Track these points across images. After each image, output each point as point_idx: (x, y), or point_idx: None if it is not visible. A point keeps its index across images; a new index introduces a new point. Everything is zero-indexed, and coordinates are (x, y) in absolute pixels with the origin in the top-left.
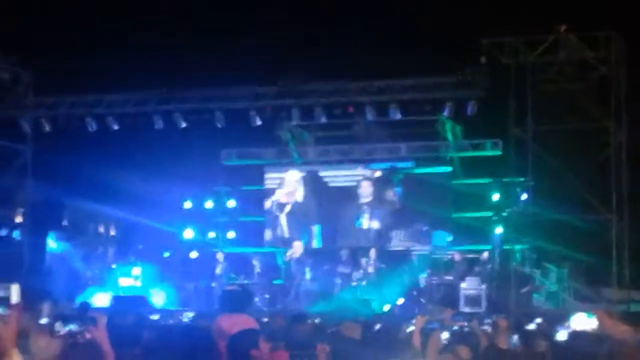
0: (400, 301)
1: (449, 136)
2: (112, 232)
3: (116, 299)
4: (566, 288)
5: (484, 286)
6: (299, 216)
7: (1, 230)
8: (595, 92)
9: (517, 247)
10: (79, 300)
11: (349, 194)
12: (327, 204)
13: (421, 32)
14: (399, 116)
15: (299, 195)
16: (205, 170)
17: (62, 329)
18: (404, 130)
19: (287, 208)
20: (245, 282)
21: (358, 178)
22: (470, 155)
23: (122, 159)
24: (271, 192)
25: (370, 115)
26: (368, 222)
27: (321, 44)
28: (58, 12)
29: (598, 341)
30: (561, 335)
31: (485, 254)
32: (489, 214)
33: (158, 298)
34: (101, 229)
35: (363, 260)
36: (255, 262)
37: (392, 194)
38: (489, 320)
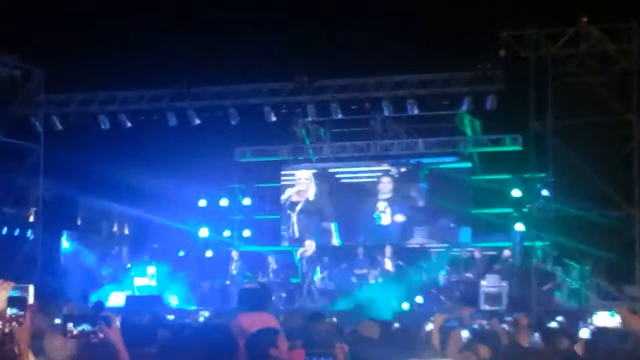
0: (419, 299)
1: (468, 131)
2: (126, 231)
3: (131, 299)
4: (588, 285)
5: (504, 283)
6: (311, 215)
7: (15, 230)
8: (617, 85)
9: (538, 243)
10: (94, 299)
11: (367, 190)
12: (344, 201)
13: (439, 26)
14: (416, 111)
15: (311, 193)
16: (220, 168)
17: (74, 329)
18: (421, 125)
19: (299, 207)
20: (263, 280)
21: (378, 174)
22: (490, 150)
23: (135, 157)
24: (283, 191)
25: (387, 110)
26: (390, 219)
27: (337, 39)
28: (70, 8)
29: (621, 338)
30: (583, 333)
31: (507, 252)
32: (509, 210)
33: (173, 298)
34: (115, 228)
35: (380, 258)
36: (271, 260)
37: (415, 190)
38: (509, 318)
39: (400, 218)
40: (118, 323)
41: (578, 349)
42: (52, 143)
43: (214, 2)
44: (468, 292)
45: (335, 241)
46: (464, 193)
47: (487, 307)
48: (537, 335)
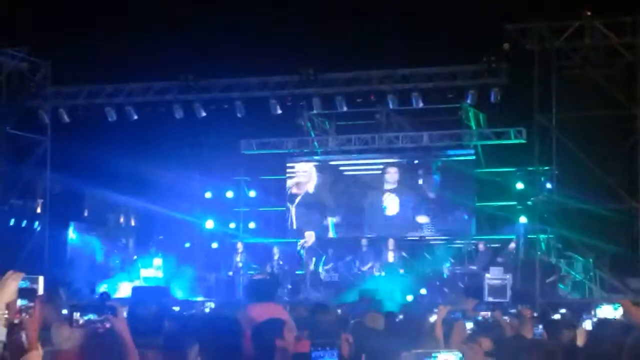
0: (423, 291)
1: (472, 124)
2: (133, 223)
3: (137, 290)
4: (592, 278)
5: (508, 276)
6: (310, 207)
7: (22, 221)
8: (621, 79)
9: (542, 236)
10: (101, 290)
11: (373, 181)
12: (350, 193)
13: (444, 19)
14: (421, 104)
15: (311, 186)
16: (226, 160)
17: (81, 318)
18: (426, 118)
19: (298, 199)
20: (270, 270)
21: (381, 166)
22: (494, 143)
23: (141, 149)
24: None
25: (392, 103)
26: (396, 209)
27: (343, 32)
28: (77, 1)
29: (624, 330)
30: (587, 325)
31: (513, 245)
32: (514, 203)
33: (179, 291)
34: (121, 220)
35: (384, 251)
36: (276, 252)
37: (426, 181)
38: (513, 311)
39: (404, 212)
40: (124, 313)
41: (579, 339)
42: (59, 135)
43: None
44: (472, 284)
45: (331, 234)
46: (472, 185)
47: (491, 300)
48: (540, 327)
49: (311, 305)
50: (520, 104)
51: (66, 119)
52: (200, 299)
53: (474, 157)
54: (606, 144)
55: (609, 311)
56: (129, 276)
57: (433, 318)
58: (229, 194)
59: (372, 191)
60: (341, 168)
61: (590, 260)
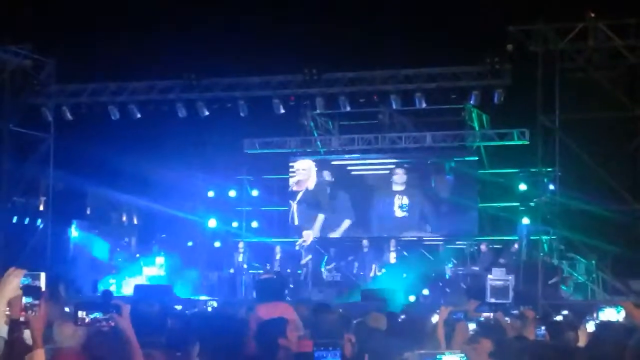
0: (426, 292)
1: (476, 125)
2: (135, 221)
3: (140, 288)
4: (594, 280)
5: (510, 277)
6: (310, 204)
7: (25, 219)
8: (625, 81)
9: (545, 237)
10: (104, 287)
11: (381, 182)
12: (359, 193)
13: (448, 20)
14: (424, 105)
15: (311, 183)
16: (229, 159)
17: (86, 317)
18: (429, 119)
19: (299, 196)
20: (277, 269)
21: (391, 166)
22: (497, 144)
23: (144, 148)
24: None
25: (395, 104)
26: (404, 211)
27: (346, 32)
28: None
29: (626, 332)
30: (589, 327)
31: (516, 246)
32: (516, 204)
33: (181, 288)
34: (124, 218)
35: (386, 251)
36: (278, 251)
37: (439, 182)
38: (515, 312)
39: (411, 214)
40: (128, 311)
41: (582, 341)
42: (62, 133)
43: None
44: (474, 285)
45: (317, 233)
46: (475, 186)
47: (493, 300)
48: (543, 328)
49: (313, 304)
50: (524, 105)
51: (69, 117)
52: (202, 297)
53: (476, 158)
54: (609, 146)
55: (611, 314)
56: (135, 273)
57: (435, 319)
58: (232, 193)
59: (380, 192)
60: (349, 168)
61: (593, 261)
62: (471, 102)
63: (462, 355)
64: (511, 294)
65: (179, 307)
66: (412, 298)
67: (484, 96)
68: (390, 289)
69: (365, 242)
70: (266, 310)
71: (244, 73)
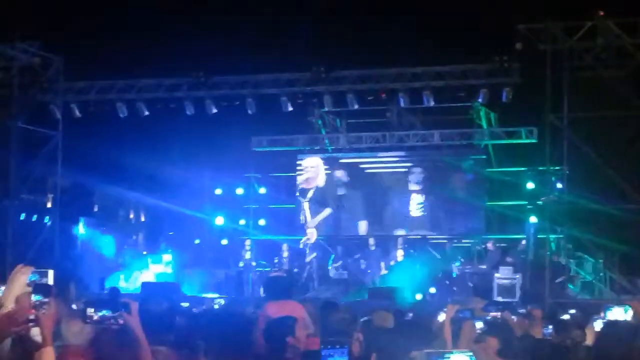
0: (433, 290)
1: (484, 123)
2: (143, 219)
3: (147, 285)
4: (602, 278)
5: (518, 276)
6: (320, 202)
7: (32, 216)
8: (633, 79)
9: (552, 236)
10: (112, 283)
11: (397, 180)
12: (373, 191)
13: (456, 18)
14: (432, 103)
15: (321, 180)
16: (236, 157)
17: (95, 314)
18: (437, 117)
19: (310, 194)
20: (286, 267)
21: (407, 164)
22: (505, 143)
23: (152, 145)
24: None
25: (403, 102)
26: (419, 210)
27: (354, 30)
28: None
29: (633, 331)
30: (597, 326)
31: (523, 242)
32: (524, 202)
33: (188, 285)
34: (131, 216)
35: (393, 249)
36: (285, 249)
37: (458, 180)
38: (522, 310)
39: (427, 212)
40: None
41: (589, 339)
42: (70, 130)
43: None
44: (481, 283)
45: (319, 225)
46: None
47: (500, 299)
48: (550, 327)
49: (320, 302)
50: (532, 103)
51: (77, 114)
52: (209, 295)
53: (485, 157)
54: (617, 144)
55: (619, 314)
56: (142, 267)
57: (442, 317)
58: (239, 191)
59: (396, 191)
60: (362, 166)
61: (600, 260)
62: (479, 100)
63: (470, 354)
64: (518, 292)
65: (185, 305)
66: (419, 296)
67: (492, 94)
68: (397, 287)
69: (371, 240)
70: (275, 309)
71: (252, 71)
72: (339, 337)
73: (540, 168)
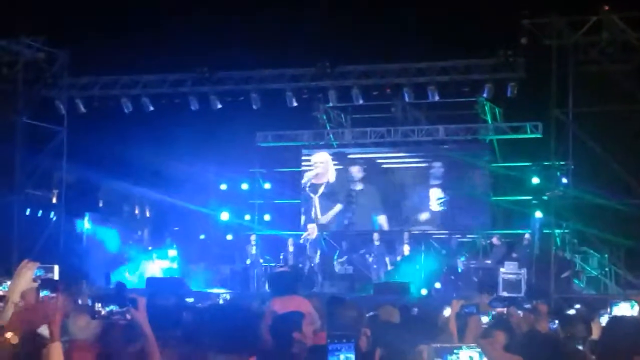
0: (438, 285)
1: (488, 118)
2: (148, 214)
3: (152, 281)
4: (607, 273)
5: (523, 271)
6: (332, 197)
7: (38, 211)
8: (638, 74)
9: (557, 231)
10: (115, 279)
11: (416, 175)
12: (390, 187)
13: (461, 13)
14: (437, 98)
15: (331, 176)
16: (241, 152)
17: (102, 310)
18: (442, 112)
19: (321, 189)
20: (291, 263)
21: (429, 159)
22: (510, 138)
23: (157, 140)
24: (304, 174)
25: (408, 97)
26: (440, 205)
27: (359, 24)
28: None
29: (638, 327)
30: (603, 321)
31: (526, 236)
32: (529, 197)
33: (193, 280)
34: (137, 211)
35: (398, 244)
36: (290, 245)
37: (478, 176)
38: (528, 305)
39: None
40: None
41: (595, 334)
42: (75, 126)
43: None
44: (487, 278)
45: (330, 220)
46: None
47: (505, 294)
48: (557, 322)
49: (326, 297)
50: (537, 98)
51: (82, 109)
52: (215, 290)
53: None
54: (622, 139)
55: (626, 309)
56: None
57: (447, 312)
58: (244, 186)
59: (415, 186)
60: (379, 161)
61: (606, 255)
62: (484, 95)
63: (478, 349)
64: (524, 287)
65: (190, 300)
66: (424, 291)
67: (497, 89)
68: (403, 282)
69: (376, 235)
70: (281, 304)
71: (257, 66)
72: (346, 332)
73: (546, 163)
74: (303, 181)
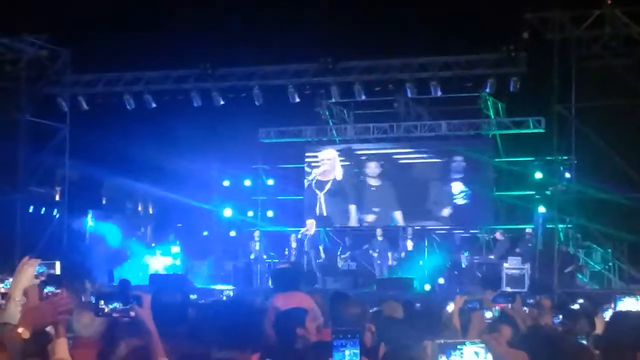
0: (441, 281)
1: (491, 113)
2: (151, 211)
3: (156, 278)
4: (610, 268)
5: (526, 266)
6: (340, 195)
7: (41, 209)
8: None
9: (561, 226)
10: (118, 276)
11: (436, 170)
12: (408, 182)
13: (463, 8)
14: (440, 93)
15: (338, 173)
16: (244, 149)
17: (106, 307)
18: (444, 107)
19: (327, 186)
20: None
21: (446, 157)
22: (513, 133)
23: (160, 137)
24: (308, 172)
25: (411, 92)
26: (464, 199)
27: (361, 20)
28: None
29: None
30: (607, 316)
31: (527, 230)
32: (532, 192)
33: (197, 277)
34: (140, 208)
35: (402, 240)
36: (293, 241)
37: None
38: (531, 301)
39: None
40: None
41: (598, 328)
42: (78, 123)
43: None
44: (490, 274)
45: (353, 222)
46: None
47: (509, 289)
48: (561, 317)
49: (330, 293)
50: (539, 93)
51: (85, 106)
52: (218, 286)
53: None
54: (625, 133)
55: (631, 304)
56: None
57: (450, 307)
58: (247, 183)
59: (435, 181)
60: (395, 157)
61: (609, 250)
62: (487, 90)
63: (482, 345)
64: (527, 282)
65: (193, 297)
66: (427, 287)
67: (500, 84)
68: (406, 278)
69: (379, 231)
70: (283, 300)
71: (259, 62)
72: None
73: (548, 158)
74: (309, 177)
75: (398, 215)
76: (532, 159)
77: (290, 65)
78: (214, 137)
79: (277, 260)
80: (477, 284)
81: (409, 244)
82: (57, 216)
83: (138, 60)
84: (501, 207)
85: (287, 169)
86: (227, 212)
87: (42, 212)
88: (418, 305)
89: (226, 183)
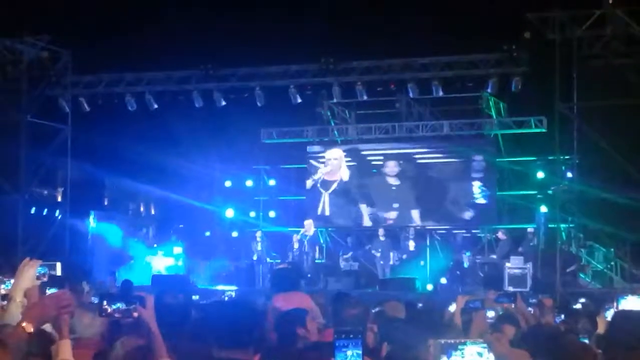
0: (443, 280)
1: (493, 113)
2: (153, 211)
3: (158, 278)
4: (613, 267)
5: (528, 265)
6: (346, 195)
7: (43, 210)
8: None
9: (563, 225)
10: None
11: (455, 169)
12: (427, 182)
13: (465, 8)
14: (441, 93)
15: (344, 173)
16: (245, 149)
17: (109, 307)
18: (446, 107)
19: (333, 186)
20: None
21: (467, 155)
22: (515, 132)
23: (161, 138)
24: (312, 171)
25: (412, 92)
26: (484, 198)
27: (363, 20)
28: None
29: None
30: (609, 315)
31: (529, 229)
32: (534, 192)
33: (199, 278)
34: (142, 208)
35: (404, 240)
36: (296, 241)
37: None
38: (534, 300)
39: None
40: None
41: (600, 327)
42: (79, 124)
43: None
44: (492, 273)
45: (367, 222)
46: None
47: (511, 289)
48: (563, 316)
49: (332, 293)
50: (541, 92)
51: (86, 107)
52: (220, 287)
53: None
54: (627, 133)
55: (634, 303)
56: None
57: (452, 307)
58: (249, 183)
59: (456, 180)
60: (415, 156)
61: (611, 249)
62: (488, 90)
63: (485, 345)
64: (529, 282)
65: (196, 297)
66: (430, 287)
67: (501, 84)
68: (409, 278)
69: (381, 231)
70: (283, 301)
71: (261, 63)
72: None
73: (550, 157)
74: (315, 177)
75: (415, 214)
76: (534, 158)
77: (291, 65)
78: (215, 137)
79: (279, 261)
80: (480, 284)
81: (411, 244)
82: (59, 217)
83: (139, 61)
84: (503, 206)
85: (289, 169)
86: (229, 213)
87: (44, 213)
88: (420, 305)
89: (228, 183)
